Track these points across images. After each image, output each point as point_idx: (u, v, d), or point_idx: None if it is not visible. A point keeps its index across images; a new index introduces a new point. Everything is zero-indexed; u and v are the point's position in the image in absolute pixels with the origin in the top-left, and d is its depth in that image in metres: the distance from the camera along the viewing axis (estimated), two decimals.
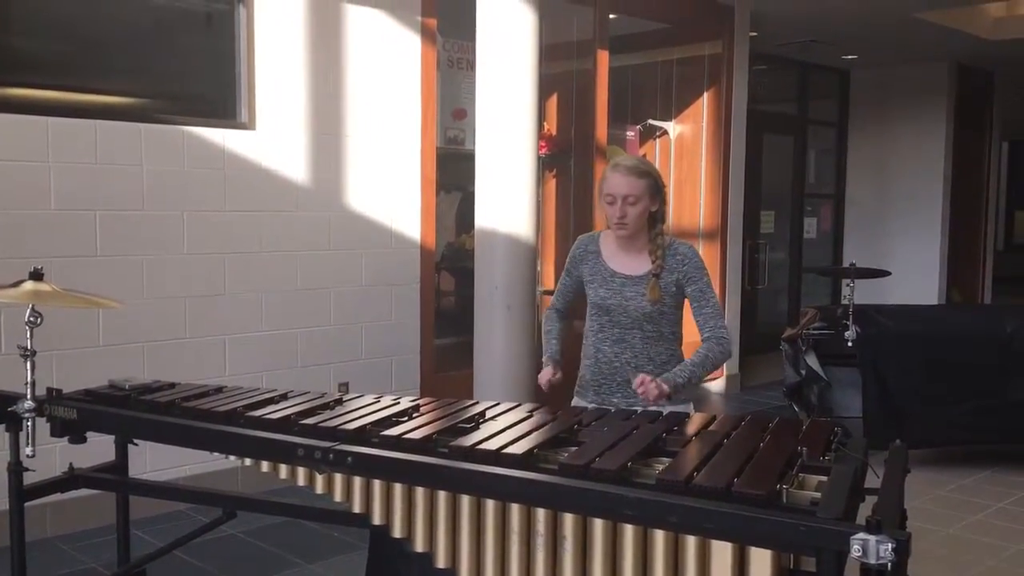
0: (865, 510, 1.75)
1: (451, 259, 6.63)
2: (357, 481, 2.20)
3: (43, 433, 2.63)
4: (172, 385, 2.86)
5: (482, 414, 2.46)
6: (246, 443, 2.40)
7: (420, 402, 2.59)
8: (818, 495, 1.84)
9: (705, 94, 7.78)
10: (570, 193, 6.87)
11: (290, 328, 5.09)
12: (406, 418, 2.43)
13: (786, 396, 6.26)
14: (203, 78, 4.91)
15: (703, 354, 2.99)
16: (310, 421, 2.39)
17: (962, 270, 10.68)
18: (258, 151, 4.90)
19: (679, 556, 1.80)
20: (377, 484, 2.17)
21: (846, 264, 6.78)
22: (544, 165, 6.67)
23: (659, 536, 1.82)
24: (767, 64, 9.34)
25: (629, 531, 1.85)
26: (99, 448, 2.90)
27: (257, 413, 2.49)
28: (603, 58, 6.62)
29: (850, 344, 5.63)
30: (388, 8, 5.37)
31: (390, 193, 5.46)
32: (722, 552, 1.76)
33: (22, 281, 2.59)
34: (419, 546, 2.12)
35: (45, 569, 3.92)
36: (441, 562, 2.08)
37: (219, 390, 2.79)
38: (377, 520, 2.18)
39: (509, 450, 2.09)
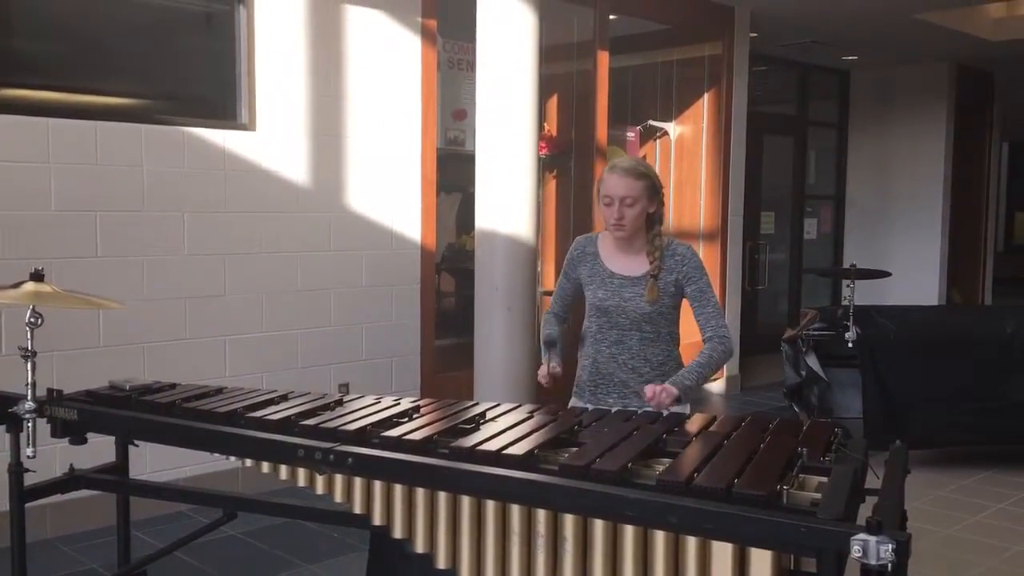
0: (865, 511, 1.75)
1: (451, 260, 6.63)
2: (358, 482, 2.20)
3: (44, 434, 2.63)
4: (172, 386, 2.86)
5: (482, 415, 2.46)
6: (246, 444, 2.40)
7: (420, 403, 2.60)
8: (818, 496, 1.84)
9: (705, 95, 7.78)
10: (570, 194, 6.87)
11: (290, 329, 5.09)
12: (407, 419, 2.43)
13: (786, 397, 6.26)
14: (203, 79, 4.91)
15: (707, 355, 3.00)
16: (310, 422, 2.39)
17: (962, 271, 10.68)
18: (258, 152, 4.90)
19: (679, 557, 1.80)
20: (378, 485, 2.17)
21: (846, 265, 6.79)
22: (544, 166, 6.67)
23: (659, 537, 1.82)
24: (767, 65, 9.34)
25: (629, 532, 1.85)
26: (99, 449, 2.91)
27: (257, 414, 2.49)
28: (603, 59, 6.62)
29: (850, 345, 5.64)
30: (388, 9, 5.37)
31: (390, 194, 5.46)
32: (722, 553, 1.76)
33: (23, 282, 2.59)
34: (420, 547, 2.12)
35: (46, 570, 3.92)
36: (441, 563, 2.08)
37: (219, 391, 2.79)
38: (377, 521, 2.18)
39: (510, 451, 2.10)
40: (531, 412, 2.52)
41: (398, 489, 2.14)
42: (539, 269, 5.73)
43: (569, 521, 1.91)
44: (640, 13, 7.05)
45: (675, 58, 7.99)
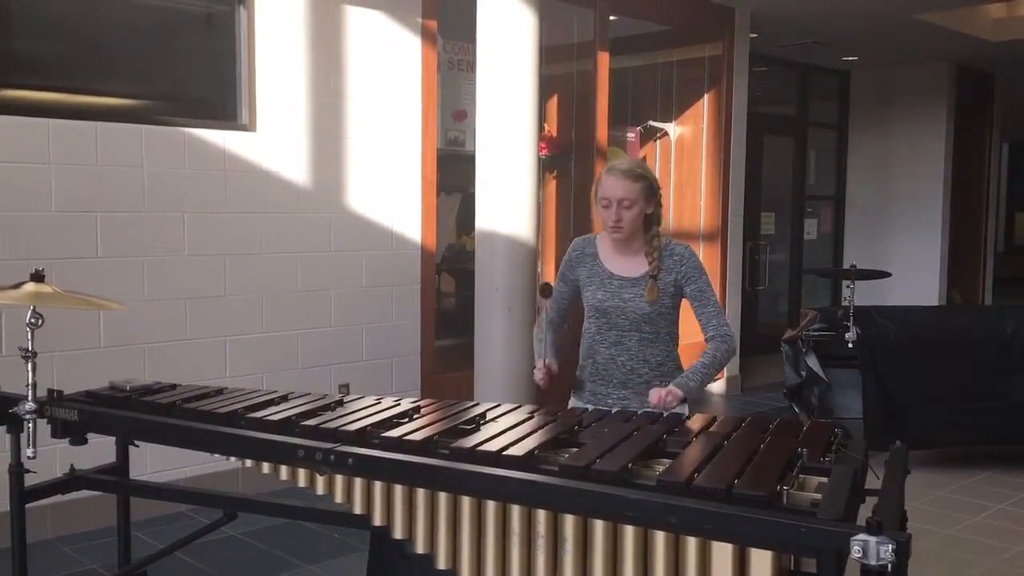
0: (865, 511, 1.75)
1: (451, 260, 6.64)
2: (358, 482, 2.20)
3: (44, 434, 2.63)
4: (173, 386, 2.86)
5: (483, 415, 2.46)
6: (247, 444, 2.40)
7: (421, 403, 2.60)
8: (818, 496, 1.84)
9: (705, 96, 7.78)
10: (571, 195, 6.87)
11: (291, 329, 5.09)
12: (407, 419, 2.44)
13: (786, 397, 6.26)
14: (203, 80, 4.91)
15: (711, 354, 3.01)
16: (311, 422, 2.39)
17: (962, 271, 10.68)
18: (258, 152, 4.90)
19: (679, 557, 1.80)
20: (378, 485, 2.17)
21: (846, 265, 6.78)
22: (544, 166, 6.68)
23: (659, 537, 1.82)
24: (767, 66, 9.34)
25: (630, 532, 1.85)
26: (100, 449, 2.90)
27: (258, 414, 2.49)
28: (603, 60, 6.62)
29: (850, 345, 5.64)
30: (388, 10, 5.37)
31: (390, 194, 5.47)
32: (722, 553, 1.76)
33: (23, 283, 2.59)
34: (420, 547, 2.12)
35: (46, 570, 3.92)
36: (442, 563, 2.08)
37: (220, 391, 2.79)
38: (378, 521, 2.18)
39: (510, 451, 2.10)
40: (531, 413, 2.52)
41: (398, 490, 2.14)
42: (539, 270, 5.73)
43: (569, 521, 1.91)
44: (640, 14, 7.06)
45: (675, 59, 7.99)
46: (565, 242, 6.67)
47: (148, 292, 4.56)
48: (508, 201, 4.78)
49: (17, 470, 2.67)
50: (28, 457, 2.60)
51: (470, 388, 4.93)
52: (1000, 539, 4.54)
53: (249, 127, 4.87)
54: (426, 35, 5.55)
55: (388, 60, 5.40)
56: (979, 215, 11.05)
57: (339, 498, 2.25)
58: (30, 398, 2.56)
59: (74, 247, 4.32)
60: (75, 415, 2.65)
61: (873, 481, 2.01)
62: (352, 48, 5.24)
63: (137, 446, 2.92)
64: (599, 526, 1.88)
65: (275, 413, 2.50)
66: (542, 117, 6.15)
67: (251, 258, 4.92)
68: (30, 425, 2.57)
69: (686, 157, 7.94)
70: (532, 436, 2.23)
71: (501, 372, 4.77)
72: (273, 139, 4.95)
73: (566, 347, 3.31)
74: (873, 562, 1.61)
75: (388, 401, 2.63)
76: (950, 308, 9.44)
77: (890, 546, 1.61)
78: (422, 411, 2.53)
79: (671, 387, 2.89)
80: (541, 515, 1.94)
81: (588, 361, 3.14)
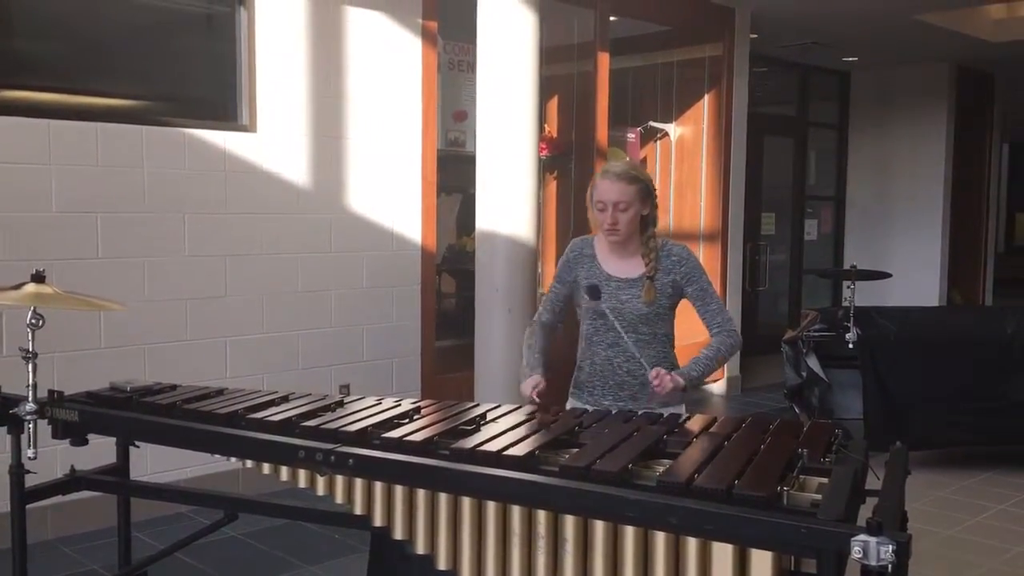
0: (866, 512, 1.75)
1: (452, 261, 6.64)
2: (358, 483, 2.20)
3: (44, 435, 2.63)
4: (173, 387, 2.86)
5: (483, 416, 2.46)
6: (247, 445, 2.40)
7: (421, 404, 2.60)
8: (819, 497, 1.84)
9: (706, 96, 7.78)
10: (571, 195, 6.87)
11: (291, 330, 5.09)
12: (407, 420, 2.44)
13: (787, 398, 6.26)
14: (204, 80, 4.91)
15: (715, 347, 3.03)
16: (311, 423, 2.39)
17: (963, 272, 10.68)
18: (259, 153, 4.91)
19: (680, 558, 1.80)
20: (378, 486, 2.17)
21: (847, 266, 6.79)
22: (545, 167, 6.68)
23: (660, 538, 1.82)
24: (767, 66, 9.34)
25: (630, 533, 1.85)
26: (100, 450, 2.90)
27: (258, 415, 2.49)
28: (604, 60, 6.63)
29: (851, 346, 5.64)
30: (389, 10, 5.37)
31: (391, 195, 5.47)
32: (723, 553, 1.76)
33: (24, 283, 2.59)
34: (420, 548, 2.12)
35: (47, 571, 3.92)
36: (442, 564, 2.08)
37: (220, 392, 2.79)
38: (378, 522, 2.18)
39: (510, 452, 2.10)
40: (532, 413, 2.52)
41: (399, 490, 2.14)
42: (540, 270, 5.73)
43: (570, 522, 1.91)
44: (640, 14, 7.06)
45: (675, 59, 7.99)
46: (565, 242, 6.62)
47: (148, 293, 4.56)
48: (508, 202, 4.78)
49: (18, 471, 2.67)
50: (29, 458, 2.60)
51: (470, 389, 4.94)
52: (1000, 540, 4.54)
53: (249, 128, 4.88)
54: (426, 36, 5.55)
55: (388, 61, 5.40)
56: (979, 216, 11.05)
57: (340, 499, 2.25)
58: (31, 399, 2.56)
59: (74, 248, 4.32)
60: (76, 416, 2.65)
61: (873, 482, 2.02)
62: (352, 49, 5.24)
63: (138, 447, 2.92)
64: (599, 527, 1.88)
65: (276, 414, 2.50)
66: (542, 118, 6.15)
67: (251, 259, 4.92)
68: (31, 426, 2.57)
69: (686, 158, 7.94)
70: (532, 437, 2.24)
71: (501, 373, 4.77)
72: (273, 140, 4.95)
73: (563, 349, 3.31)
74: (873, 563, 1.61)
75: (389, 402, 2.63)
76: (950, 309, 9.44)
77: (890, 547, 1.61)
78: (422, 412, 2.53)
79: (672, 373, 2.89)
80: (541, 516, 1.94)
81: (586, 363, 3.13)
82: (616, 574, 1.87)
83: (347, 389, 5.18)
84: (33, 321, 2.51)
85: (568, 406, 3.10)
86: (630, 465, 2.00)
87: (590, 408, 2.78)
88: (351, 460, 2.18)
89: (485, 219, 4.85)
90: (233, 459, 2.47)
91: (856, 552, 1.62)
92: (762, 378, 8.23)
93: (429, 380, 5.68)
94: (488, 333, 4.83)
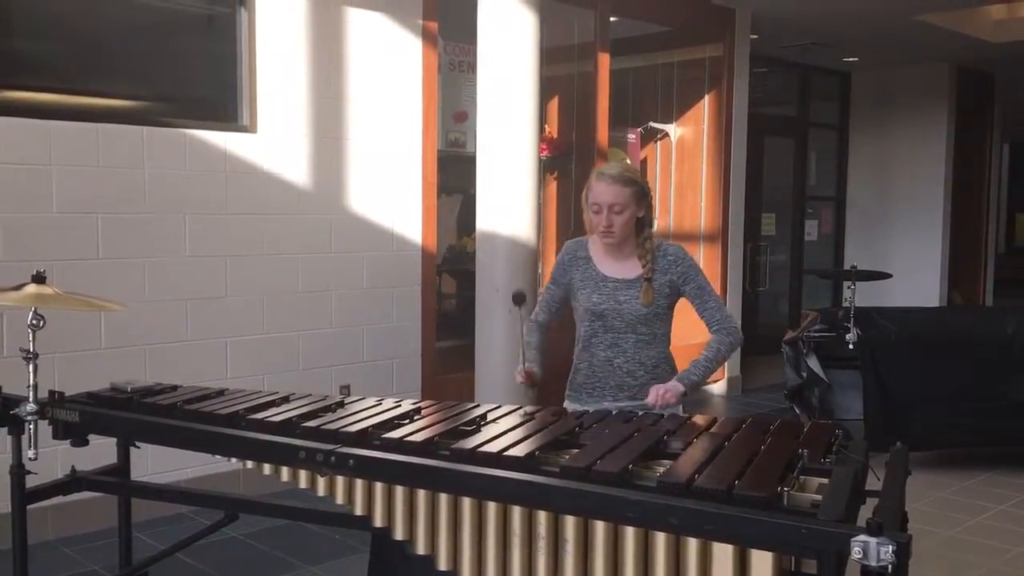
0: (866, 512, 1.75)
1: (452, 261, 6.64)
2: (359, 484, 2.20)
3: (45, 436, 2.64)
4: (174, 388, 2.86)
5: (483, 416, 2.47)
6: (248, 446, 2.41)
7: (422, 404, 2.60)
8: (819, 497, 1.84)
9: (706, 97, 7.78)
10: (571, 195, 6.87)
11: (291, 331, 5.10)
12: (408, 421, 2.44)
13: (787, 398, 6.26)
14: (204, 81, 4.91)
15: (715, 348, 3.03)
16: (312, 424, 2.40)
17: (963, 272, 10.68)
18: (259, 154, 4.91)
19: (680, 558, 1.80)
20: (379, 487, 2.17)
21: (847, 266, 6.79)
22: (545, 167, 6.68)
23: (660, 538, 1.82)
24: (768, 67, 9.34)
25: (630, 533, 1.85)
26: (101, 451, 2.91)
27: (259, 416, 2.49)
28: (604, 61, 6.63)
29: (851, 346, 5.64)
30: (389, 11, 5.38)
31: (391, 196, 5.47)
32: (723, 554, 1.76)
33: (24, 284, 2.59)
34: (421, 548, 2.12)
35: (47, 571, 3.92)
36: (443, 564, 2.09)
37: (221, 393, 2.79)
38: (379, 523, 2.18)
39: (510, 452, 2.10)
40: (532, 414, 2.52)
41: (399, 491, 2.14)
42: (540, 271, 5.73)
43: (570, 522, 1.91)
44: (641, 15, 7.06)
45: (676, 60, 7.99)
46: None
47: (149, 293, 4.56)
48: (509, 202, 4.78)
49: (18, 471, 2.67)
50: (29, 458, 2.60)
51: (471, 389, 4.94)
52: (1001, 540, 4.54)
53: (250, 128, 4.88)
54: (427, 36, 5.56)
55: (389, 61, 5.41)
56: (980, 216, 11.05)
57: (340, 499, 2.25)
58: (31, 399, 2.57)
59: (75, 248, 4.33)
60: (76, 416, 2.66)
61: (874, 482, 2.02)
62: (353, 49, 5.24)
63: (138, 447, 2.92)
64: (600, 527, 1.88)
65: (276, 414, 2.50)
66: (543, 118, 6.15)
67: (252, 259, 4.92)
68: (31, 426, 2.57)
69: (687, 158, 7.94)
70: (533, 437, 2.24)
71: (502, 373, 4.76)
72: (274, 140, 4.96)
73: (558, 349, 3.31)
74: (873, 563, 1.61)
75: (389, 402, 2.63)
76: (951, 309, 9.44)
77: (890, 547, 1.61)
78: (423, 412, 2.54)
79: (672, 383, 2.90)
80: (542, 516, 1.94)
81: (584, 364, 3.13)
82: (616, 575, 1.87)
83: (347, 390, 5.18)
84: (34, 322, 2.52)
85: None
86: (630, 466, 2.00)
87: (589, 409, 2.78)
88: (351, 461, 2.19)
89: (485, 219, 4.85)
90: (234, 460, 2.47)
91: (856, 552, 1.62)
92: (762, 378, 8.23)
93: (429, 381, 5.68)
94: (488, 334, 4.83)
